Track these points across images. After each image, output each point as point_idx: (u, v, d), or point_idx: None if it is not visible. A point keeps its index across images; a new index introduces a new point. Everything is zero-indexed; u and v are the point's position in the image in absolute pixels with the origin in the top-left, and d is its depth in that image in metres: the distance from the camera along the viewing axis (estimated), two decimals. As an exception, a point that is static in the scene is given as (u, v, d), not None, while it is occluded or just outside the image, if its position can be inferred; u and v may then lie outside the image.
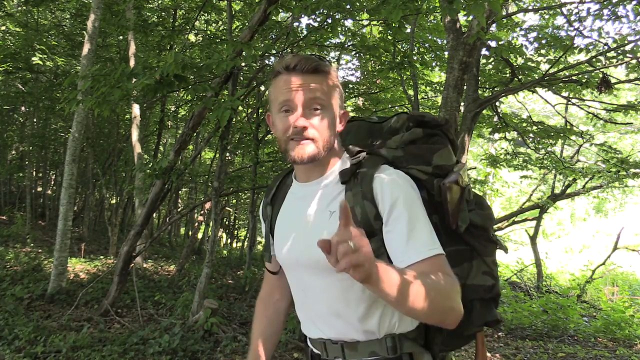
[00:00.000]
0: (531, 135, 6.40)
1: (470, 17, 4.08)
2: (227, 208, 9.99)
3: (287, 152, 1.12)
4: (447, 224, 1.14)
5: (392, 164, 1.15)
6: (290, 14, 5.72)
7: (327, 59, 1.30)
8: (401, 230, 1.04)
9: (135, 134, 7.51)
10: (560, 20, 8.32)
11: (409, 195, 1.08)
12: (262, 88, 6.78)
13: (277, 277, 1.34)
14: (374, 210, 1.08)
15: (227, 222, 12.76)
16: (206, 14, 7.76)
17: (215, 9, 7.29)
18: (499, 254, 1.27)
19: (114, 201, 11.94)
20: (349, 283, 1.07)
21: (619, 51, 4.54)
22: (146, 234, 6.53)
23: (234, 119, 6.56)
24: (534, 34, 5.43)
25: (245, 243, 10.84)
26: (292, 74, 1.11)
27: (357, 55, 7.69)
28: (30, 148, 10.54)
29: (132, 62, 6.72)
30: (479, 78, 5.04)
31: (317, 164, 1.15)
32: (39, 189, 12.71)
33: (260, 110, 6.76)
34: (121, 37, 8.25)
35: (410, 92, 5.28)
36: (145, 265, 8.00)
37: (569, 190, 8.29)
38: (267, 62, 6.21)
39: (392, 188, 1.08)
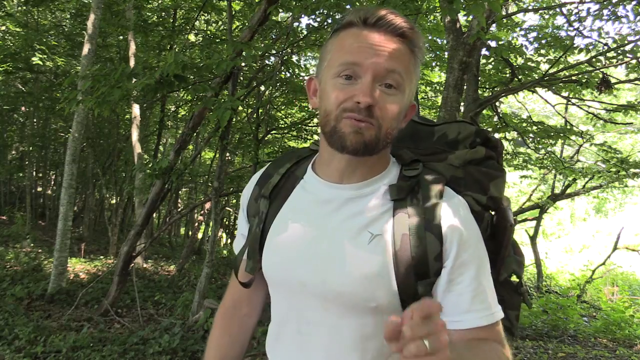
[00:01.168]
0: (531, 135, 6.40)
1: (470, 17, 4.08)
2: (227, 208, 9.99)
3: (333, 132, 0.82)
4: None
5: (448, 185, 0.89)
6: (290, 14, 5.72)
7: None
8: (467, 283, 0.82)
9: (135, 134, 7.51)
10: (560, 20, 8.33)
11: (478, 238, 0.85)
12: (262, 88, 6.78)
13: (248, 290, 0.99)
14: (438, 249, 0.81)
15: (227, 222, 12.76)
16: (206, 14, 7.76)
17: (215, 9, 7.29)
18: None
19: (114, 201, 11.93)
20: (373, 330, 0.84)
21: (619, 51, 4.54)
22: (146, 234, 6.54)
23: (234, 119, 6.56)
24: (534, 34, 5.44)
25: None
26: (370, 30, 0.82)
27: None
28: (30, 148, 10.54)
29: (132, 62, 6.72)
30: (479, 78, 5.05)
31: (363, 162, 0.86)
32: (39, 189, 12.71)
33: (260, 110, 6.76)
34: (121, 37, 8.26)
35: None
36: (145, 265, 8.00)
37: (569, 190, 8.29)
38: (267, 62, 6.22)
39: (465, 225, 0.83)
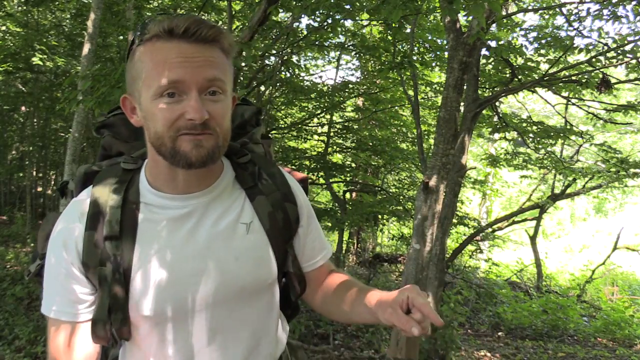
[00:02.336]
0: (531, 135, 6.40)
1: (470, 17, 4.08)
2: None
3: (173, 152, 0.80)
4: None
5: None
6: (290, 14, 5.72)
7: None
8: (316, 232, 1.04)
9: (135, 134, 7.51)
10: (560, 20, 8.33)
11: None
12: (262, 88, 6.79)
13: (97, 350, 0.90)
14: (296, 213, 0.98)
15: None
16: (206, 14, 7.76)
17: (215, 9, 7.29)
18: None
19: (114, 201, 11.94)
20: (270, 306, 0.97)
21: (619, 51, 4.54)
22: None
23: (234, 119, 6.54)
24: (534, 34, 5.43)
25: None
26: (180, 42, 0.79)
27: (357, 55, 7.69)
28: (30, 148, 10.54)
29: (132, 62, 6.72)
30: (479, 78, 5.04)
31: (208, 169, 0.87)
32: (39, 189, 12.70)
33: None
34: (121, 37, 8.26)
35: (410, 92, 5.28)
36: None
37: (569, 190, 8.28)
38: (267, 62, 6.22)
39: (300, 188, 1.03)
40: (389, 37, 5.63)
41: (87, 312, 0.87)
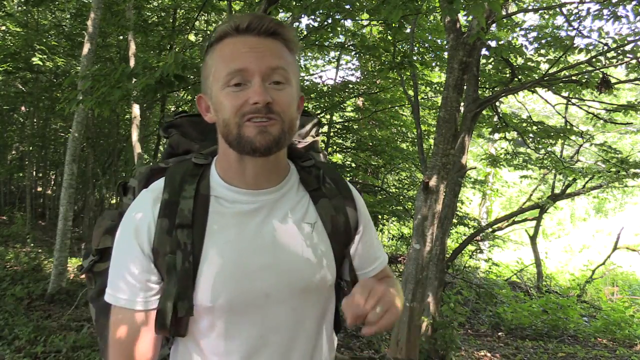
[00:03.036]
0: (531, 135, 6.40)
1: (470, 17, 4.08)
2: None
3: (239, 138, 0.84)
4: None
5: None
6: (290, 14, 5.71)
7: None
8: (372, 239, 1.05)
9: (135, 134, 7.50)
10: (560, 20, 8.32)
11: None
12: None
13: (159, 342, 0.91)
14: (356, 219, 1.00)
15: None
16: (206, 14, 7.76)
17: (215, 9, 7.29)
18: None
19: (114, 201, 11.93)
20: (329, 302, 0.98)
21: (619, 51, 4.54)
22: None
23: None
24: (534, 34, 5.43)
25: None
26: (245, 35, 0.86)
27: (357, 55, 7.69)
28: (30, 148, 10.54)
29: (132, 62, 6.72)
30: (479, 78, 5.04)
31: (276, 164, 0.92)
32: (39, 189, 12.70)
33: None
34: (121, 37, 8.25)
35: (410, 92, 5.28)
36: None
37: (569, 190, 8.28)
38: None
39: (359, 196, 1.05)
40: (389, 37, 5.63)
41: (154, 301, 0.87)
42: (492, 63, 5.61)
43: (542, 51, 5.49)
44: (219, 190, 0.91)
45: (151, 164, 1.07)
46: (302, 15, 4.71)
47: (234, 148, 0.87)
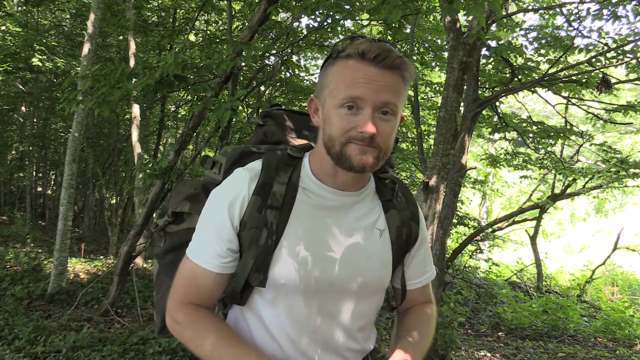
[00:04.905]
0: (531, 135, 6.40)
1: (470, 17, 4.08)
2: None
3: (341, 155, 0.94)
4: None
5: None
6: (290, 14, 5.71)
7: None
8: (425, 253, 1.14)
9: (135, 134, 7.51)
10: (560, 20, 8.33)
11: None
12: (262, 88, 6.79)
13: (212, 303, 1.04)
14: (417, 233, 1.11)
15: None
16: (206, 14, 7.75)
17: (215, 9, 7.29)
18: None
19: (114, 201, 11.93)
20: (379, 304, 1.10)
21: (619, 51, 4.54)
22: (146, 234, 6.53)
23: (234, 119, 6.56)
24: (534, 34, 5.43)
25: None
26: (369, 65, 0.92)
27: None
28: (30, 148, 10.54)
29: (132, 62, 6.72)
30: (479, 78, 5.04)
31: (363, 175, 1.02)
32: (39, 189, 12.70)
33: (260, 110, 6.76)
34: (121, 37, 8.25)
35: (410, 92, 5.28)
36: (145, 265, 8.00)
37: (569, 190, 8.28)
38: (267, 62, 6.21)
39: (421, 213, 1.15)
40: (389, 37, 5.63)
41: (229, 267, 0.99)
42: (492, 63, 5.61)
43: (542, 51, 5.50)
44: (307, 183, 1.01)
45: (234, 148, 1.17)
46: (302, 15, 4.72)
47: (333, 160, 0.97)
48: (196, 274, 0.99)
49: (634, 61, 4.79)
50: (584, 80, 4.94)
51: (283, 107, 1.21)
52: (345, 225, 1.00)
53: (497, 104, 6.15)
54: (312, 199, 1.00)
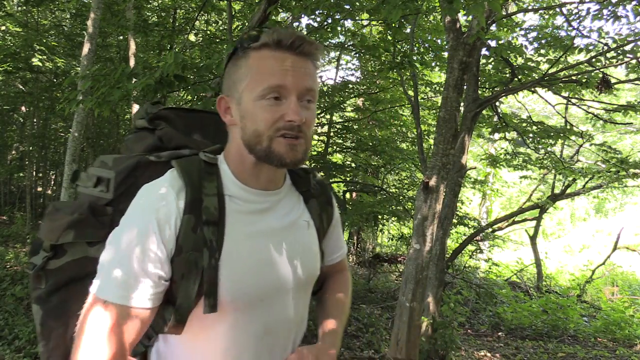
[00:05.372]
0: (531, 135, 6.40)
1: (470, 17, 4.08)
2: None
3: (268, 151, 0.88)
4: None
5: None
6: (290, 14, 5.71)
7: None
8: (339, 232, 1.17)
9: (135, 134, 7.50)
10: (560, 20, 8.33)
11: None
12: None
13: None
14: (332, 216, 1.12)
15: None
16: (206, 14, 7.76)
17: (215, 9, 7.29)
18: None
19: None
20: (309, 299, 1.09)
21: (619, 51, 4.54)
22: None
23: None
24: (534, 34, 5.44)
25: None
26: (286, 53, 0.89)
27: (357, 55, 7.69)
28: (30, 148, 10.54)
29: (132, 62, 6.72)
30: (479, 78, 5.04)
31: (283, 170, 1.00)
32: (39, 189, 12.70)
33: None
34: (121, 37, 8.26)
35: (410, 92, 5.28)
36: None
37: (568, 190, 8.28)
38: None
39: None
40: (389, 37, 5.63)
41: (160, 298, 0.86)
42: (492, 63, 5.61)
43: (542, 51, 5.50)
44: (232, 189, 0.94)
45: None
46: (302, 15, 4.72)
47: (259, 158, 0.91)
48: (126, 318, 0.82)
49: (634, 61, 4.80)
50: (584, 80, 4.94)
51: (166, 105, 1.08)
52: (277, 225, 0.97)
53: (497, 104, 6.16)
54: (241, 206, 0.93)
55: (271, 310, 0.94)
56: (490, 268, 9.50)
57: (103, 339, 0.80)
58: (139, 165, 0.98)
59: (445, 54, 5.81)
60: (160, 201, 0.87)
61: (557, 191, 8.51)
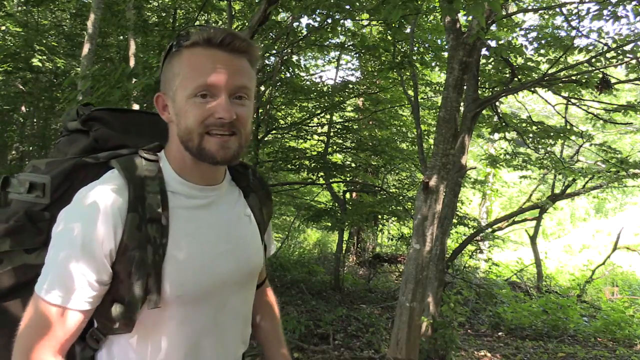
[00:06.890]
0: (531, 135, 6.40)
1: (470, 17, 4.08)
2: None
3: (200, 149, 0.90)
4: None
5: None
6: (290, 14, 5.72)
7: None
8: (270, 227, 1.21)
9: (135, 134, 7.50)
10: (560, 20, 8.34)
11: None
12: (262, 88, 6.79)
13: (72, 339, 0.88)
14: (271, 210, 1.17)
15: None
16: (206, 14, 7.76)
17: (215, 9, 7.29)
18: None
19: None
20: (254, 293, 1.13)
21: (619, 51, 4.54)
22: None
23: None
24: (534, 34, 5.43)
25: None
26: (216, 50, 0.90)
27: (357, 55, 7.69)
28: (30, 148, 10.54)
29: (132, 62, 6.72)
30: (479, 78, 5.04)
31: (224, 166, 1.01)
32: (39, 189, 12.71)
33: (260, 110, 6.76)
34: (121, 37, 8.25)
35: (410, 92, 5.28)
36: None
37: (568, 190, 8.28)
38: (267, 62, 6.22)
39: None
40: (389, 37, 5.63)
41: (98, 301, 0.88)
42: (492, 63, 5.61)
43: (542, 51, 5.50)
44: (174, 185, 0.95)
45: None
46: (302, 15, 4.72)
47: (193, 155, 0.92)
48: (62, 319, 0.84)
49: (634, 61, 4.80)
50: (583, 80, 4.94)
51: (96, 106, 1.08)
52: (220, 220, 0.99)
53: (497, 104, 6.16)
54: (184, 201, 0.94)
55: (219, 304, 0.97)
56: (490, 268, 9.50)
57: (36, 335, 0.83)
58: (75, 167, 0.96)
59: (445, 54, 5.81)
60: (102, 203, 0.86)
61: (557, 191, 8.51)
